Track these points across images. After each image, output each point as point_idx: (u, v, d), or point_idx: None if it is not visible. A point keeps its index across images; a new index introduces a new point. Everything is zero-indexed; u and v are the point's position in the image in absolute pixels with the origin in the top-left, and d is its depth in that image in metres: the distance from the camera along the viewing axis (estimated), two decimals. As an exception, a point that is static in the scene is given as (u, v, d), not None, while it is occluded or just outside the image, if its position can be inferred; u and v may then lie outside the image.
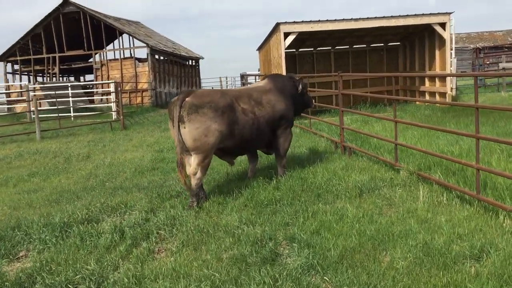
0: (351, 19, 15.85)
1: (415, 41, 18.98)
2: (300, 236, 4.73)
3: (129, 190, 7.40)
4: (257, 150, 7.40)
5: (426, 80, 17.45)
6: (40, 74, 31.24)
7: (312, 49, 20.06)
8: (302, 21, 15.49)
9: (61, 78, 32.01)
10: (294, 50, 19.86)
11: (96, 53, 29.13)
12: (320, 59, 20.05)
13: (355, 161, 7.96)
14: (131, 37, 29.16)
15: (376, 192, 6.12)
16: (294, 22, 15.39)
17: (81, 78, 36.71)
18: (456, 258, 4.02)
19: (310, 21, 15.50)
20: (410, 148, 6.98)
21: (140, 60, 29.28)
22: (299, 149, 9.61)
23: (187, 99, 5.97)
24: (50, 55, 29.70)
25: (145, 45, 28.16)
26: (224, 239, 4.80)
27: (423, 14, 16.13)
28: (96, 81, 28.10)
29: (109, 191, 7.47)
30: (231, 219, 5.39)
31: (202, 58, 40.30)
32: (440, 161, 6.94)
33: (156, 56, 29.70)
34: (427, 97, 17.10)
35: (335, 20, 15.69)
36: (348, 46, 20.23)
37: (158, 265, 4.34)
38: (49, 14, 28.63)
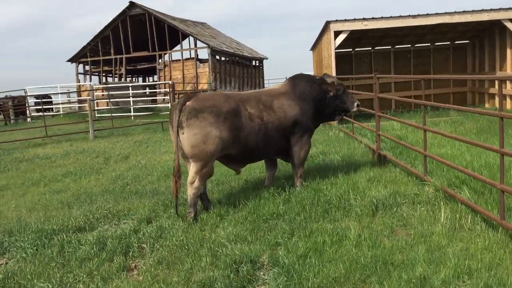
0: (409, 15, 14.77)
1: (485, 39, 17.42)
2: (284, 259, 4.21)
3: (144, 195, 7.22)
4: (276, 158, 6.91)
5: (496, 82, 15.93)
6: (109, 75, 32.52)
7: (370, 48, 19.04)
8: (354, 19, 14.66)
9: (128, 79, 33.13)
10: (350, 49, 18.97)
11: (159, 54, 29.79)
12: (379, 59, 18.98)
13: (385, 172, 7.23)
14: (193, 38, 29.51)
15: (393, 210, 5.42)
16: (345, 20, 14.61)
17: (149, 79, 37.81)
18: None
19: (363, 19, 14.63)
20: (437, 160, 6.13)
21: (201, 60, 29.61)
22: (331, 156, 8.96)
23: (188, 103, 5.63)
24: (118, 56, 30.85)
25: (206, 45, 28.37)
26: (202, 259, 4.39)
27: (491, 9, 14.68)
28: (159, 81, 28.73)
29: (124, 196, 7.33)
30: (221, 235, 4.97)
31: (266, 58, 40.13)
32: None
33: (217, 57, 29.87)
34: (497, 101, 15.58)
35: (390, 17, 14.70)
36: (409, 45, 19.00)
37: (121, 285, 4.01)
38: (117, 17, 29.74)
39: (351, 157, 8.80)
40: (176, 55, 31.00)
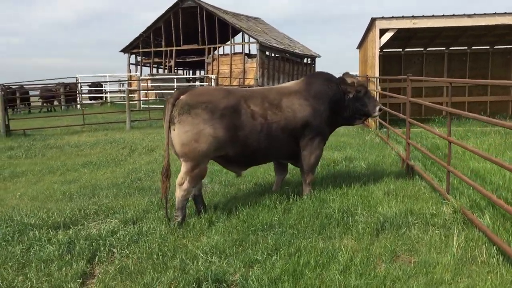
0: (464, 14, 13.61)
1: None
2: (254, 282, 3.68)
3: (148, 192, 6.89)
4: (285, 162, 6.36)
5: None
6: (160, 66, 32.84)
7: (422, 49, 17.87)
8: (402, 16, 13.69)
9: (179, 71, 33.36)
10: (400, 49, 17.91)
11: (209, 48, 29.70)
12: (431, 60, 17.78)
13: (408, 185, 6.49)
14: (242, 33, 29.18)
15: (401, 231, 4.74)
16: (392, 17, 13.67)
17: (200, 73, 37.91)
18: None
19: (412, 17, 13.63)
20: (457, 175, 5.31)
21: (249, 56, 29.24)
22: (357, 163, 8.27)
23: (182, 96, 5.19)
24: (168, 48, 31.07)
25: (255, 40, 27.96)
26: (167, 272, 3.94)
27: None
28: (213, 75, 28.66)
29: (128, 191, 7.03)
30: (203, 244, 4.51)
31: (319, 56, 39.18)
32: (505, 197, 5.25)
33: (267, 53, 29.37)
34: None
35: (443, 15, 13.60)
36: (466, 47, 17.66)
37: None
38: (170, 9, 29.91)
39: (378, 165, 8.08)
40: (225, 49, 30.87)
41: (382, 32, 13.75)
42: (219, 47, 29.67)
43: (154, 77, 23.95)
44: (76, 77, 26.65)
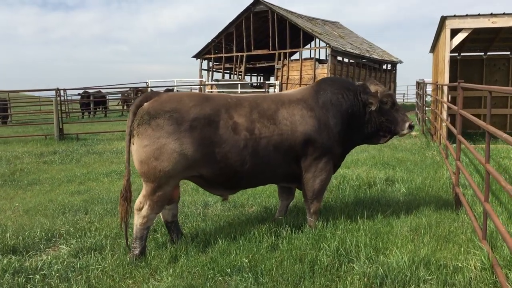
0: (556, 11, 11.49)
1: None
2: None
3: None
4: (285, 185, 5.28)
5: None
6: (229, 72, 32.60)
7: (508, 52, 15.61)
8: (479, 14, 11.81)
9: (252, 78, 32.93)
10: (482, 53, 15.79)
11: (279, 53, 28.86)
12: (520, 66, 15.47)
13: (444, 220, 5.13)
14: (315, 37, 28.00)
15: (407, 290, 3.50)
16: (467, 16, 11.84)
17: (270, 79, 37.23)
18: None
19: (491, 14, 11.71)
20: (494, 221, 3.82)
21: (320, 61, 27.97)
22: (397, 186, 6.93)
23: (145, 104, 4.35)
24: (239, 54, 30.68)
25: (326, 45, 26.65)
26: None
27: None
28: (277, 81, 27.83)
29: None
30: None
31: (401, 62, 36.77)
32: None
33: (339, 58, 27.92)
34: None
35: (529, 12, 11.57)
36: None
37: None
38: (241, 13, 29.50)
39: (422, 190, 6.71)
40: (296, 55, 29.82)
41: (454, 32, 11.98)
42: (289, 52, 28.68)
43: (219, 82, 23.56)
44: (147, 82, 27.07)
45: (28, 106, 27.29)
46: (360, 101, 5.04)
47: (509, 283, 3.32)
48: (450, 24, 11.95)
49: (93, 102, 25.85)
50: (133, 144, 4.28)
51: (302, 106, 4.78)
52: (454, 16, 11.94)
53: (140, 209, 4.28)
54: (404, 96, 43.40)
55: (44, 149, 12.70)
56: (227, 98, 4.62)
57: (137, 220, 4.30)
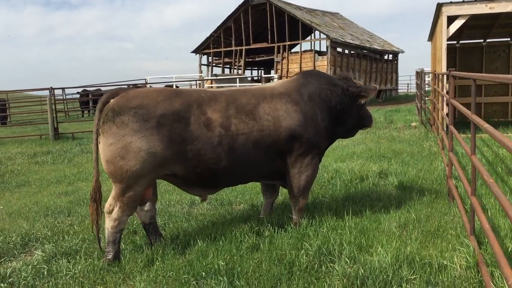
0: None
1: None
2: None
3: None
4: (268, 182, 5.09)
5: None
6: (228, 66, 32.36)
7: (509, 39, 15.27)
8: (476, 0, 11.50)
9: (246, 72, 32.66)
10: (481, 40, 15.47)
11: (278, 46, 28.56)
12: (520, 52, 15.14)
13: (435, 215, 4.93)
14: (314, 29, 27.67)
15: (388, 292, 3.32)
16: (463, 2, 11.53)
17: (271, 72, 36.96)
18: None
19: (488, 0, 11.45)
20: (479, 219, 3.56)
21: (320, 53, 27.64)
22: (390, 179, 6.72)
23: (111, 100, 4.16)
24: (238, 48, 30.42)
25: (326, 36, 26.32)
26: None
27: None
28: (276, 74, 27.57)
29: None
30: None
31: (402, 52, 36.33)
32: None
33: (339, 49, 27.58)
34: None
35: (527, -3, 11.25)
36: None
37: None
38: (239, 7, 29.20)
39: (416, 183, 6.49)
40: (296, 47, 29.51)
41: (451, 20, 11.69)
42: (288, 44, 28.35)
43: (217, 77, 23.35)
44: (146, 79, 26.86)
45: (29, 106, 27.19)
46: (347, 95, 4.90)
47: (495, 282, 3.13)
48: (447, 11, 11.66)
49: (92, 100, 25.69)
50: (99, 143, 4.10)
51: (286, 100, 4.59)
52: (451, 2, 11.65)
53: (110, 212, 4.11)
54: (408, 86, 42.99)
55: (38, 149, 12.58)
56: (201, 93, 4.42)
57: (108, 224, 4.12)
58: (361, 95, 4.95)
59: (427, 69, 19.25)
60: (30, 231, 5.14)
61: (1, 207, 6.73)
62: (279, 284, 3.52)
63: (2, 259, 4.37)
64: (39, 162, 10.69)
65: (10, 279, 3.79)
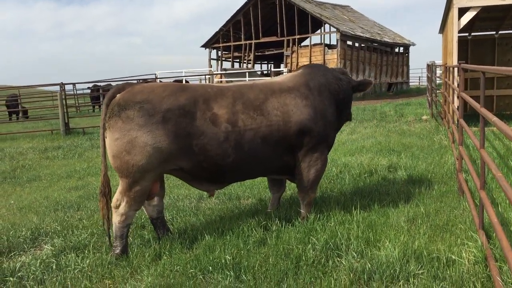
0: None
1: None
2: None
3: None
4: (276, 178, 5.08)
5: None
6: (238, 60, 32.30)
7: (521, 30, 15.07)
8: (487, -8, 11.39)
9: (255, 66, 32.58)
10: (493, 32, 15.26)
11: (288, 40, 28.43)
12: (534, 44, 14.91)
13: (444, 209, 4.89)
14: (324, 22, 27.48)
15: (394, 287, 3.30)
16: (475, -6, 11.43)
17: (281, 66, 36.84)
18: None
19: (500, -9, 11.27)
20: (488, 213, 3.51)
21: (330, 46, 27.48)
22: (399, 173, 6.68)
23: (118, 95, 4.17)
24: (247, 42, 30.35)
25: (336, 30, 26.14)
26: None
27: None
28: (285, 68, 27.46)
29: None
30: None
31: (413, 44, 36.00)
32: None
33: (349, 43, 27.39)
34: None
35: (541, -13, 11.05)
36: None
37: None
38: (249, 1, 29.07)
39: (425, 177, 6.44)
40: (306, 41, 29.34)
41: (462, 11, 11.55)
42: (298, 38, 28.19)
43: (226, 71, 23.32)
44: (155, 74, 26.92)
45: (42, 101, 27.40)
46: (350, 88, 4.99)
47: (503, 277, 3.09)
48: (458, 3, 11.51)
49: (102, 95, 25.83)
50: (106, 138, 4.13)
51: (295, 94, 4.57)
52: (462, -6, 11.49)
53: (117, 207, 4.13)
54: (419, 80, 42.60)
55: (49, 144, 12.69)
56: (207, 88, 4.42)
57: (115, 218, 4.15)
58: (359, 88, 5.14)
59: (439, 61, 19.07)
60: (40, 226, 5.20)
61: (12, 201, 6.80)
62: (285, 278, 3.52)
63: (12, 253, 4.43)
64: (50, 157, 10.78)
65: (19, 273, 3.83)
